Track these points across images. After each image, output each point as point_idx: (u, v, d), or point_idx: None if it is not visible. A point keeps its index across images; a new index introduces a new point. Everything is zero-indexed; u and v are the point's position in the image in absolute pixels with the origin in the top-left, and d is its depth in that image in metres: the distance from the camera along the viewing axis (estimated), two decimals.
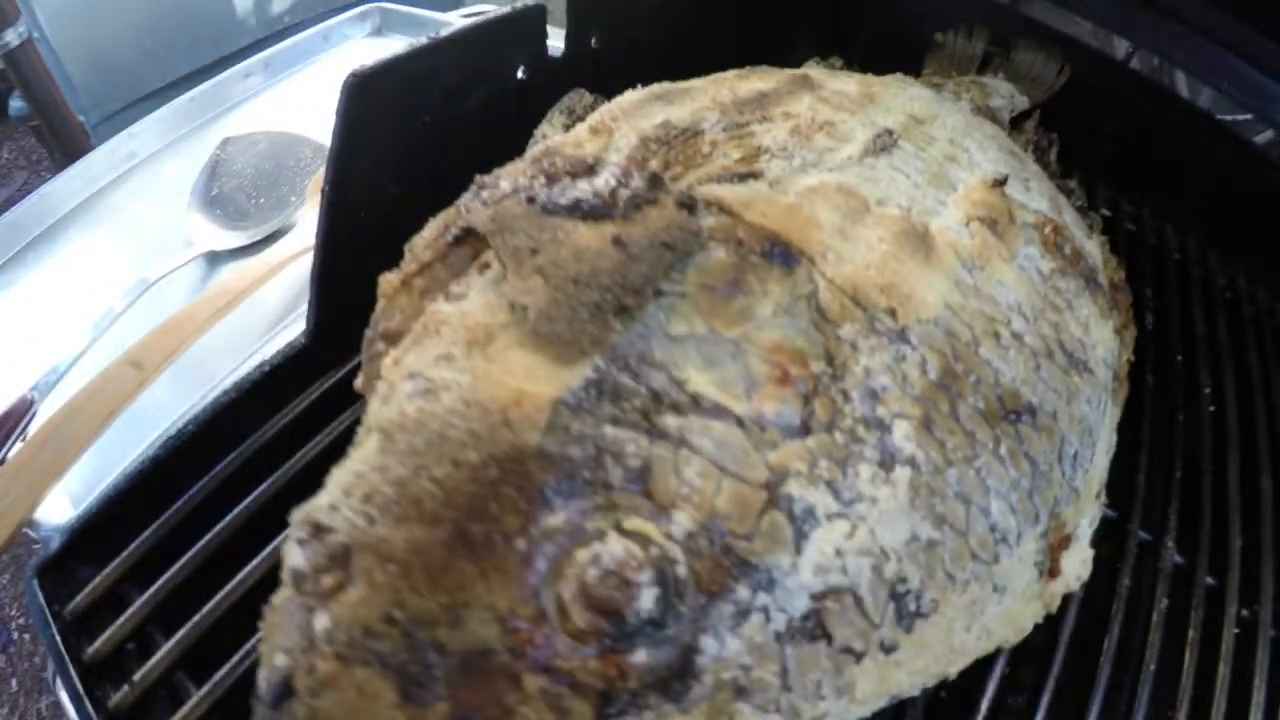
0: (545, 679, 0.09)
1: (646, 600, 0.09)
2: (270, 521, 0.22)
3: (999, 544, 0.13)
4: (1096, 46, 0.40)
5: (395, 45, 0.55)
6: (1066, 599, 0.17)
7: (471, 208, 0.16)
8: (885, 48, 0.42)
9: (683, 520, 0.10)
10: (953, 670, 0.13)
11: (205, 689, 0.20)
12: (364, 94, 0.22)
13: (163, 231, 0.41)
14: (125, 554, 0.22)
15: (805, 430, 0.12)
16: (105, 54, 0.67)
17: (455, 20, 0.56)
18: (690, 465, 0.11)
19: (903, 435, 0.13)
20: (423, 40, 0.23)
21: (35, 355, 0.36)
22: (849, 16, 0.42)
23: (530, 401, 0.11)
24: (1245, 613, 0.23)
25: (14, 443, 0.31)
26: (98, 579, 0.22)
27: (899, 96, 0.28)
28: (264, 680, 0.11)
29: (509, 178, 0.17)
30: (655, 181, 0.15)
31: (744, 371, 0.12)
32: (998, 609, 0.13)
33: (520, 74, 0.26)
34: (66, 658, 0.20)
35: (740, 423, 0.11)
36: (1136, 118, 0.38)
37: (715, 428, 0.11)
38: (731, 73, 0.27)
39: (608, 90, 0.26)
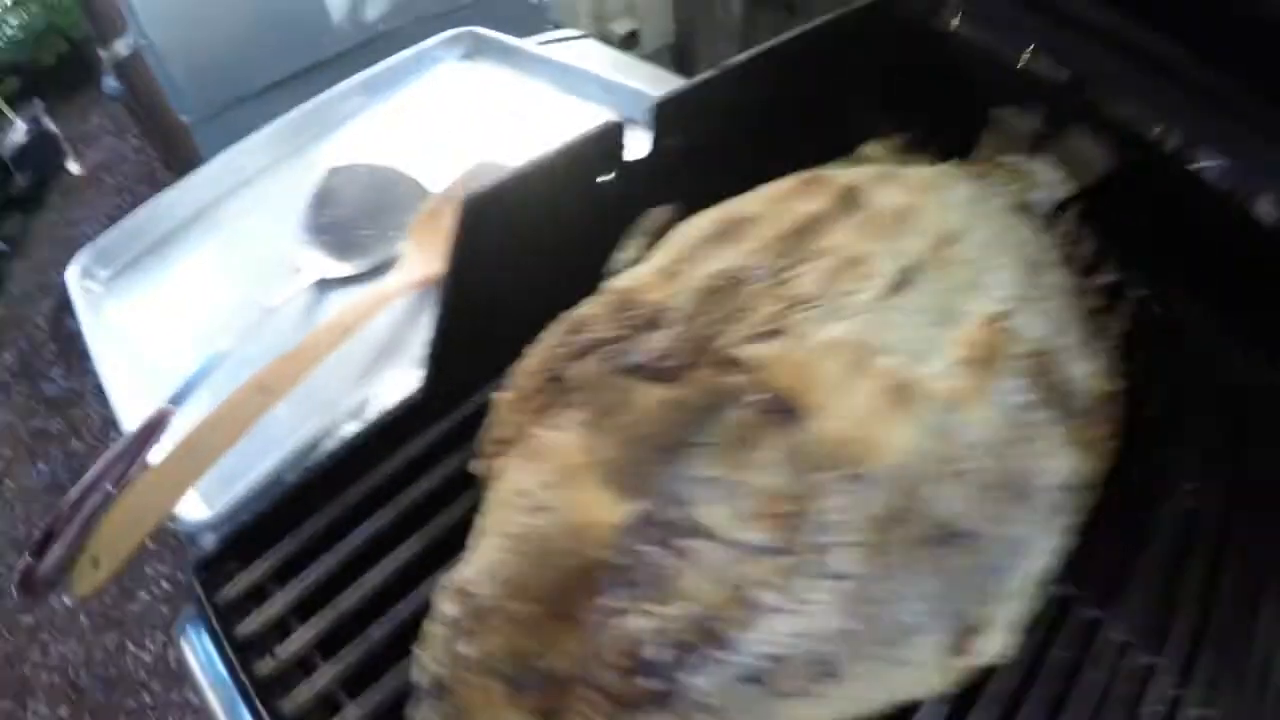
0: (592, 692, 0.19)
1: (650, 652, 0.19)
2: (388, 541, 0.32)
3: (905, 635, 0.21)
4: (1152, 138, 0.45)
5: (485, 69, 0.64)
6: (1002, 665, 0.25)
7: (558, 353, 0.25)
8: (947, 120, 0.48)
9: (676, 607, 0.19)
10: (865, 711, 0.22)
11: (332, 665, 0.29)
12: (475, 213, 0.31)
13: (270, 251, 0.51)
14: (271, 555, 0.32)
15: (770, 552, 0.20)
16: (206, 58, 0.78)
17: (534, 46, 0.64)
18: (688, 574, 0.20)
19: (839, 558, 0.21)
20: (520, 166, 0.31)
21: (160, 361, 0.46)
22: (912, 97, 0.48)
23: (601, 528, 0.20)
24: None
25: (152, 447, 0.40)
26: (247, 574, 0.32)
27: (937, 209, 0.35)
28: (424, 679, 0.20)
29: (590, 327, 0.25)
30: (698, 346, 0.24)
31: (738, 508, 0.21)
32: (903, 676, 0.22)
33: (605, 179, 0.35)
34: (225, 641, 0.29)
35: (726, 545, 0.20)
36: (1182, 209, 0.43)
37: (710, 549, 0.20)
38: (789, 185, 0.34)
39: (686, 185, 0.34)
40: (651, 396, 0.22)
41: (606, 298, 0.27)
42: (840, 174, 0.37)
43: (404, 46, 0.65)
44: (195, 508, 0.39)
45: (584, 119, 0.57)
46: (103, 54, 0.73)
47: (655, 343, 0.24)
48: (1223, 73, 0.41)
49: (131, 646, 1.16)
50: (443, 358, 0.34)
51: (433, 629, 0.20)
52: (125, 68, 0.74)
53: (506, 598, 0.19)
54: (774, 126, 0.41)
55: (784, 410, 0.23)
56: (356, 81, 0.62)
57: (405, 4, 0.88)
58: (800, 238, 0.31)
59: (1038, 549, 0.26)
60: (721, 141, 0.38)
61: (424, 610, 0.23)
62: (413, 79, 0.64)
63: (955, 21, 0.48)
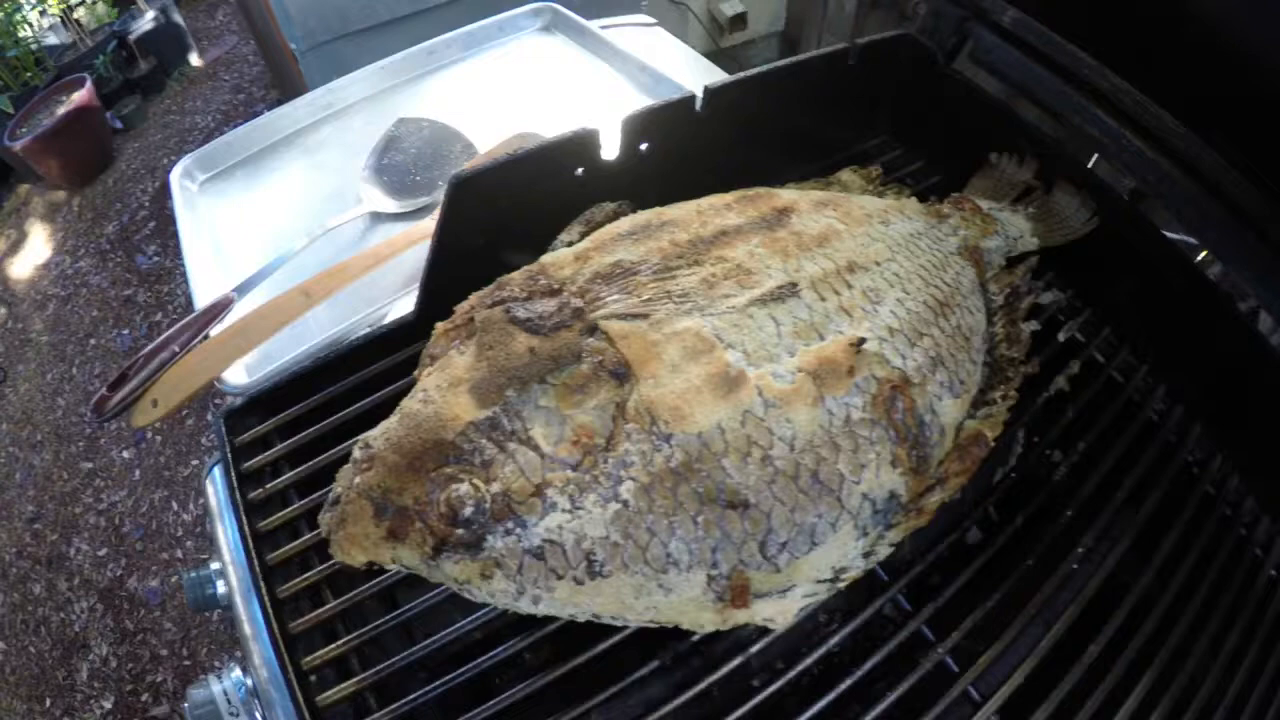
0: (424, 529, 0.29)
1: (467, 511, 0.29)
2: (364, 419, 0.44)
3: (668, 563, 0.30)
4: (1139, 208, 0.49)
5: (560, 43, 0.75)
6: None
7: (481, 301, 0.35)
8: (949, 154, 0.54)
9: (495, 486, 0.29)
10: (630, 619, 0.31)
11: (304, 500, 0.42)
12: (461, 188, 0.41)
13: (340, 181, 0.65)
14: (278, 417, 0.45)
15: (570, 468, 0.30)
16: None
17: (600, 30, 0.73)
18: (508, 465, 0.29)
19: (625, 488, 0.30)
20: (507, 156, 0.41)
21: (235, 255, 0.60)
22: (911, 132, 0.54)
23: (459, 420, 0.30)
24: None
25: (214, 324, 0.54)
26: (258, 428, 0.45)
27: (862, 238, 0.42)
28: (332, 494, 0.31)
29: (507, 286, 0.35)
30: (576, 314, 0.33)
31: (560, 433, 0.30)
32: (664, 600, 0.30)
33: (579, 173, 0.44)
34: (232, 468, 0.43)
35: (542, 456, 0.30)
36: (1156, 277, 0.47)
37: (529, 454, 0.30)
38: (727, 199, 0.43)
39: (654, 187, 0.43)
40: (524, 343, 0.32)
41: (531, 267, 0.37)
42: (786, 193, 0.44)
43: (495, 6, 0.76)
44: (238, 375, 0.53)
45: (625, 101, 0.67)
46: None
47: (543, 306, 0.34)
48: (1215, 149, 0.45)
49: (175, 505, 1.37)
50: (430, 292, 0.44)
51: (346, 465, 0.31)
52: None
53: (387, 450, 0.30)
54: (755, 145, 0.49)
55: (619, 373, 0.32)
56: (441, 41, 0.74)
57: None
58: (707, 245, 0.39)
59: (832, 542, 0.34)
60: (696, 153, 0.46)
61: None
62: (492, 45, 0.76)
63: (965, 66, 0.54)
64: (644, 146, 0.45)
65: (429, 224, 0.59)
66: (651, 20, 0.79)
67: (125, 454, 1.47)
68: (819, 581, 0.34)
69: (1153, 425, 0.46)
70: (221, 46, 2.32)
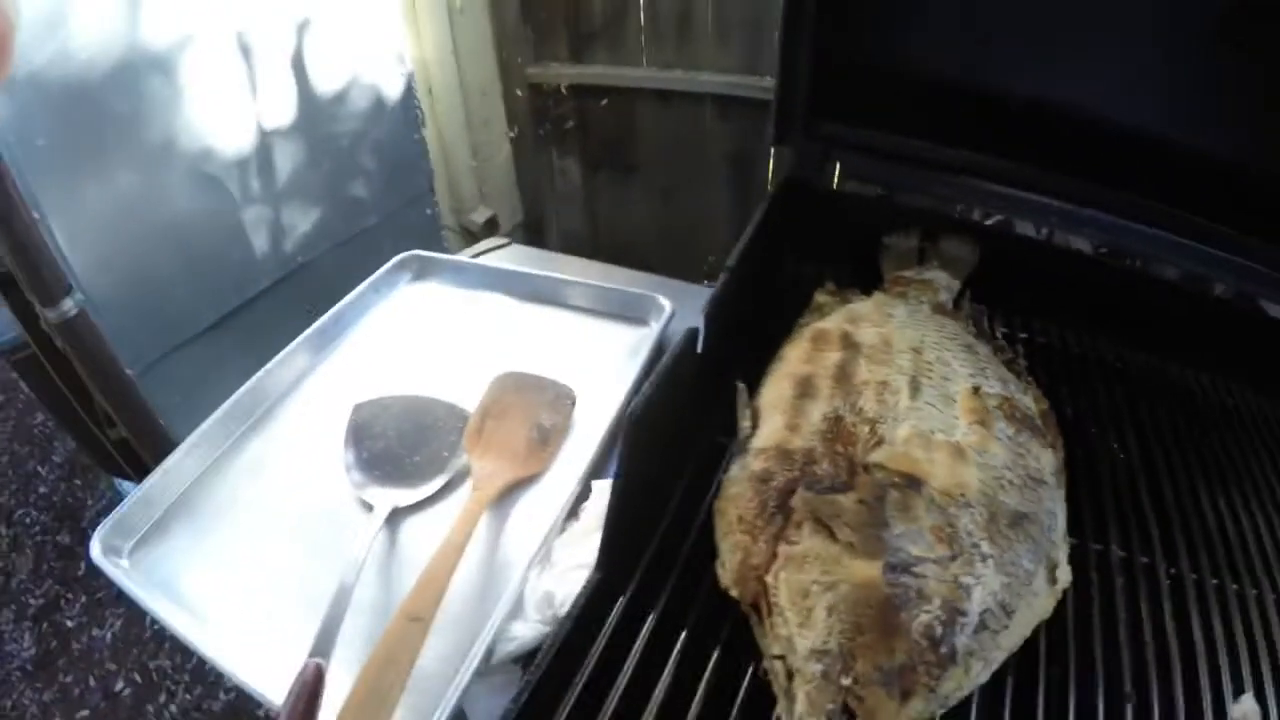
0: (924, 668, 0.39)
1: (938, 630, 0.39)
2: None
3: (1029, 576, 0.44)
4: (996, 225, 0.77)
5: (434, 290, 0.83)
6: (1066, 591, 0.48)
7: (767, 497, 0.46)
8: (853, 255, 0.77)
9: (935, 602, 0.40)
10: (1028, 632, 0.43)
11: None
12: (637, 426, 0.51)
13: (313, 492, 0.61)
14: None
15: (951, 558, 0.42)
16: (140, 311, 0.89)
17: (470, 260, 0.85)
18: (927, 584, 0.41)
19: (984, 546, 0.43)
20: (660, 377, 0.52)
21: (228, 617, 0.51)
22: (826, 238, 0.77)
23: (875, 578, 0.40)
24: (1172, 570, 0.54)
25: (319, 706, 0.42)
26: None
27: (899, 330, 0.60)
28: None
29: (775, 476, 0.47)
30: (853, 470, 0.46)
31: (928, 541, 0.42)
32: (1036, 604, 0.44)
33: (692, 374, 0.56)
34: None
35: (933, 562, 0.41)
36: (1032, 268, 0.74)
37: (928, 567, 0.41)
38: (807, 345, 0.59)
39: (724, 355, 0.56)
40: (848, 501, 0.44)
41: (768, 456, 0.49)
42: (829, 325, 0.62)
43: (324, 274, 0.81)
44: None
45: (538, 318, 0.79)
46: (50, 314, 0.83)
47: (824, 470, 0.46)
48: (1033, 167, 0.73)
49: None
50: (613, 543, 0.49)
51: (799, 683, 0.39)
52: (71, 328, 0.83)
53: (854, 638, 0.39)
54: (758, 295, 0.66)
55: (914, 483, 0.46)
56: (329, 318, 0.77)
57: (320, 232, 1.06)
58: (845, 379, 0.54)
59: (1060, 512, 0.50)
60: (735, 324, 0.62)
61: None
62: (372, 308, 0.81)
63: (837, 182, 0.78)
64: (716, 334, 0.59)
65: (483, 493, 0.58)
66: (505, 240, 0.92)
67: None
68: (1068, 541, 0.50)
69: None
70: None
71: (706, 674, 0.44)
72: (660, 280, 0.82)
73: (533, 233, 1.66)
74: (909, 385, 0.54)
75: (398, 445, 0.63)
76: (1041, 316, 0.74)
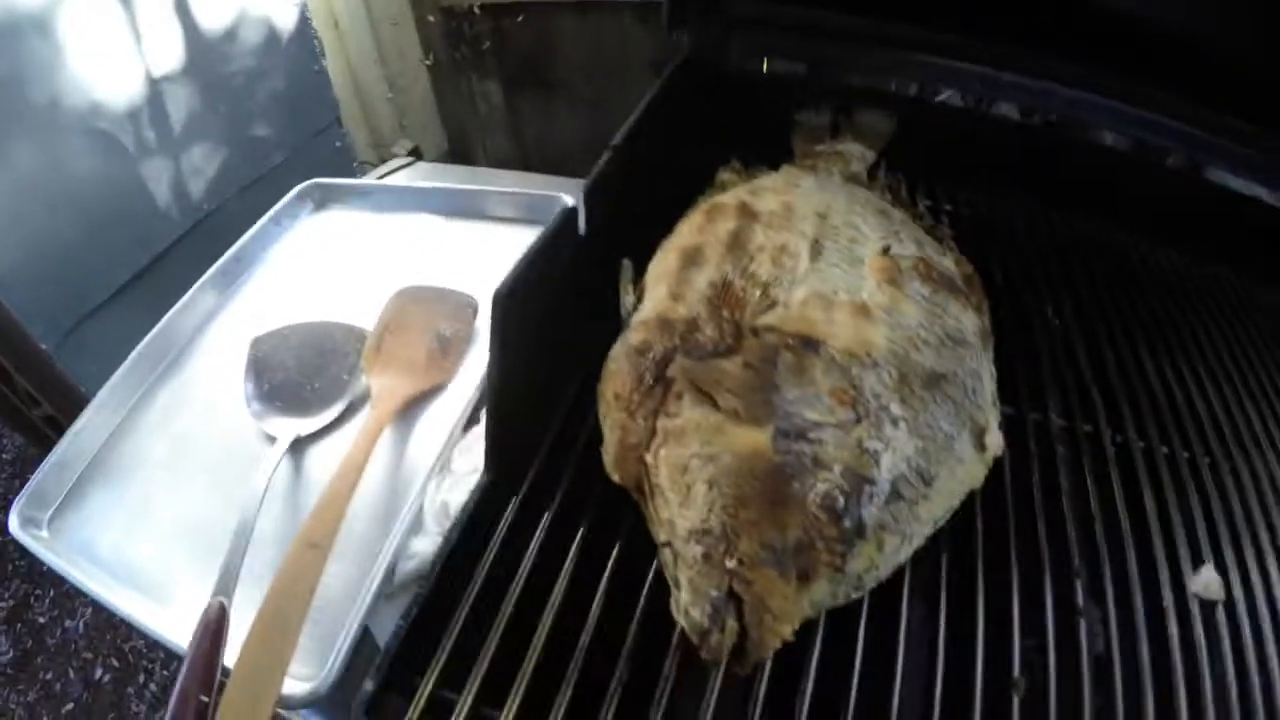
0: (824, 545, 0.32)
1: (840, 501, 0.33)
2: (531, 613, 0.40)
3: (951, 439, 0.38)
4: (913, 94, 0.71)
5: (339, 216, 0.76)
6: (1000, 459, 0.42)
7: (645, 370, 0.39)
8: (765, 136, 0.70)
9: (836, 469, 0.34)
10: (955, 503, 0.38)
11: None
12: (507, 303, 0.43)
13: (222, 430, 0.57)
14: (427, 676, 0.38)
15: (856, 420, 0.36)
16: (46, 281, 0.82)
17: (373, 182, 0.77)
18: (826, 449, 0.34)
19: (895, 408, 0.37)
20: (524, 254, 0.44)
21: (146, 568, 0.49)
22: (733, 120, 0.70)
23: (763, 447, 0.34)
24: (1118, 438, 0.49)
25: (224, 642, 0.41)
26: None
27: (804, 198, 0.54)
28: (696, 619, 0.33)
29: (653, 348, 0.40)
30: (738, 331, 0.39)
31: (827, 404, 0.36)
32: (962, 469, 0.38)
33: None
34: None
35: (833, 426, 0.35)
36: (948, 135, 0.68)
37: (828, 432, 0.35)
38: (701, 217, 0.52)
39: (614, 239, 0.49)
40: (734, 365, 0.37)
41: (647, 327, 0.42)
42: (726, 197, 0.55)
43: (234, 220, 0.74)
44: (299, 684, 0.43)
45: (444, 232, 0.72)
46: None
47: (706, 336, 0.39)
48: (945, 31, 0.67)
49: None
50: (497, 441, 0.44)
51: (693, 570, 0.33)
52: None
53: (738, 514, 0.32)
54: (654, 179, 0.59)
55: (810, 344, 0.39)
56: (230, 257, 0.71)
57: (224, 177, 1.00)
58: (738, 246, 0.48)
59: (986, 375, 0.45)
60: (627, 202, 0.55)
61: None
62: (275, 241, 0.74)
63: (740, 60, 0.71)
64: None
65: (381, 411, 0.55)
66: (410, 159, 0.84)
67: None
68: (1000, 409, 0.45)
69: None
70: None
71: (607, 570, 0.40)
72: (578, 183, 0.75)
73: (460, 161, 1.56)
74: (810, 248, 0.47)
75: (297, 374, 0.60)
76: (969, 188, 0.68)
